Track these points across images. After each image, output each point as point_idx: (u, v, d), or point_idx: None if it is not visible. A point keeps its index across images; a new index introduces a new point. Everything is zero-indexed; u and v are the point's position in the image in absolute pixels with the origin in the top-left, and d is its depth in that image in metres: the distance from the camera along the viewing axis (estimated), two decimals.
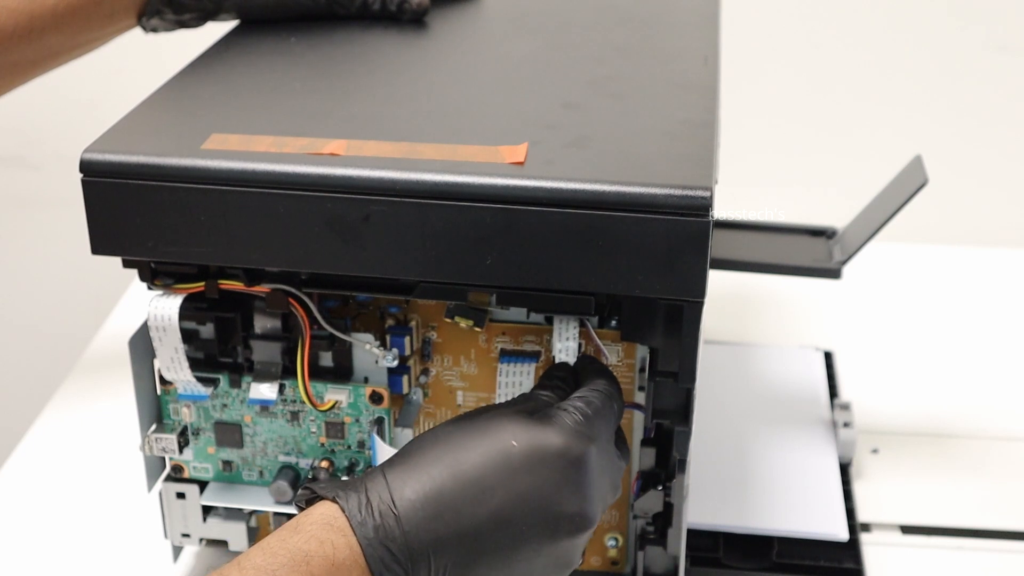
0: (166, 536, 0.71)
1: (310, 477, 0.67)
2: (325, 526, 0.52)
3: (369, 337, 0.64)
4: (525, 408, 0.58)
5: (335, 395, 0.65)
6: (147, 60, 1.05)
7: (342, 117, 0.63)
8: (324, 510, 0.53)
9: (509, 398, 0.64)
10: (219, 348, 0.65)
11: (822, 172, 1.35)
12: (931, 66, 1.31)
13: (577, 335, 0.62)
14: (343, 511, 0.52)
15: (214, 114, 0.64)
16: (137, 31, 0.82)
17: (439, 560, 0.53)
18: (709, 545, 0.77)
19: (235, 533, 0.70)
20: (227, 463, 0.69)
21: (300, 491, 0.56)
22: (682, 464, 0.62)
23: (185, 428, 0.68)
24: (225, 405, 0.67)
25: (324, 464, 0.67)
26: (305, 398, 0.64)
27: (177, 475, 0.69)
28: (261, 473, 0.69)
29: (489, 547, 0.54)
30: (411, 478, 0.53)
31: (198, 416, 0.68)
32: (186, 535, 0.71)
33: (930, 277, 1.13)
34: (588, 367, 0.62)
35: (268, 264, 0.60)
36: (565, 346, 0.62)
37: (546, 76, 0.70)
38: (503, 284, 0.58)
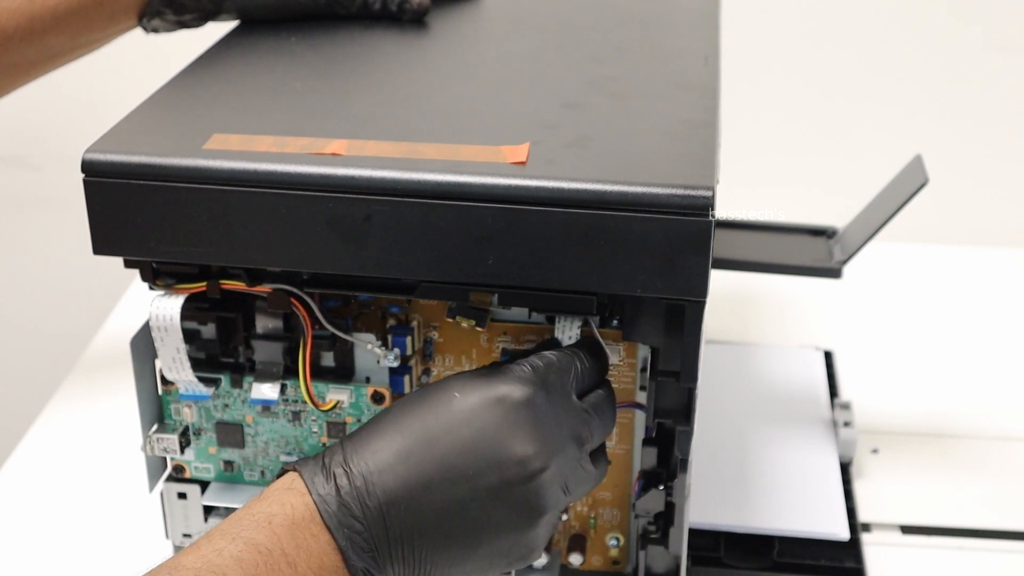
0: (167, 536, 0.71)
1: None
2: (285, 490, 0.55)
3: (371, 337, 0.64)
4: (479, 369, 0.59)
5: (337, 395, 0.65)
6: (147, 60, 1.05)
7: (343, 117, 0.63)
8: (285, 477, 0.56)
9: None
10: (221, 348, 0.65)
11: (822, 172, 1.35)
12: (931, 66, 1.31)
13: (579, 335, 0.62)
14: (301, 476, 0.55)
15: (215, 114, 0.64)
16: (137, 31, 0.82)
17: (394, 514, 0.54)
18: (710, 545, 0.77)
19: None
20: (228, 463, 0.69)
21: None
22: (684, 464, 0.62)
23: (186, 428, 0.68)
24: (227, 405, 0.67)
25: None
26: (307, 398, 0.64)
27: (178, 475, 0.69)
28: (263, 473, 0.69)
29: (440, 497, 0.55)
30: (362, 440, 0.56)
31: (199, 416, 0.68)
32: (187, 535, 0.71)
33: (930, 277, 1.13)
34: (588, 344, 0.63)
35: (270, 264, 0.60)
36: None
37: (547, 76, 0.70)
38: (505, 284, 0.58)
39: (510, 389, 0.57)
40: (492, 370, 0.58)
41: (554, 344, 0.62)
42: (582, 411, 0.59)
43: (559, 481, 0.57)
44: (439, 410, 0.56)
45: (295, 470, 0.56)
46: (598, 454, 0.62)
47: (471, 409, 0.56)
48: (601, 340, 0.62)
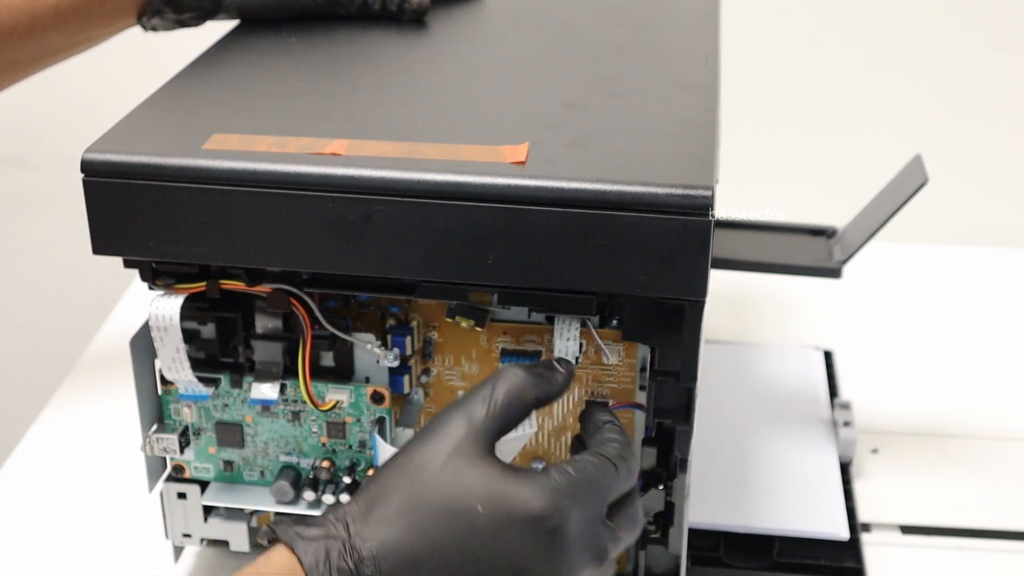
0: (167, 536, 0.71)
1: (311, 477, 0.67)
2: None
3: (370, 337, 0.64)
4: (509, 471, 0.54)
5: (336, 395, 0.65)
6: (147, 60, 1.05)
7: (343, 117, 0.63)
8: (284, 560, 0.52)
9: None
10: (220, 348, 0.65)
11: (822, 172, 1.35)
12: (931, 66, 1.31)
13: (578, 335, 0.62)
14: (301, 564, 0.52)
15: (215, 114, 0.64)
16: (137, 30, 0.82)
17: None
18: (710, 544, 0.77)
19: (236, 533, 0.70)
20: (228, 463, 0.69)
21: (265, 528, 0.55)
22: (683, 463, 0.62)
23: (186, 428, 0.68)
24: (226, 405, 0.67)
25: (325, 464, 0.67)
26: (306, 398, 0.64)
27: (178, 475, 0.69)
28: (262, 473, 0.69)
29: None
30: (372, 535, 0.52)
31: (199, 416, 0.68)
32: (187, 535, 0.71)
33: (930, 277, 1.13)
34: (598, 419, 0.59)
35: (269, 264, 0.60)
36: (566, 346, 0.62)
37: (547, 76, 0.70)
38: (504, 284, 0.58)
39: (542, 510, 0.52)
40: (522, 476, 0.53)
41: (565, 366, 0.59)
42: (611, 531, 0.55)
43: None
44: (460, 522, 0.52)
45: (292, 550, 0.52)
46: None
47: (493, 528, 0.52)
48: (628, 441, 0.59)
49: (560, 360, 0.60)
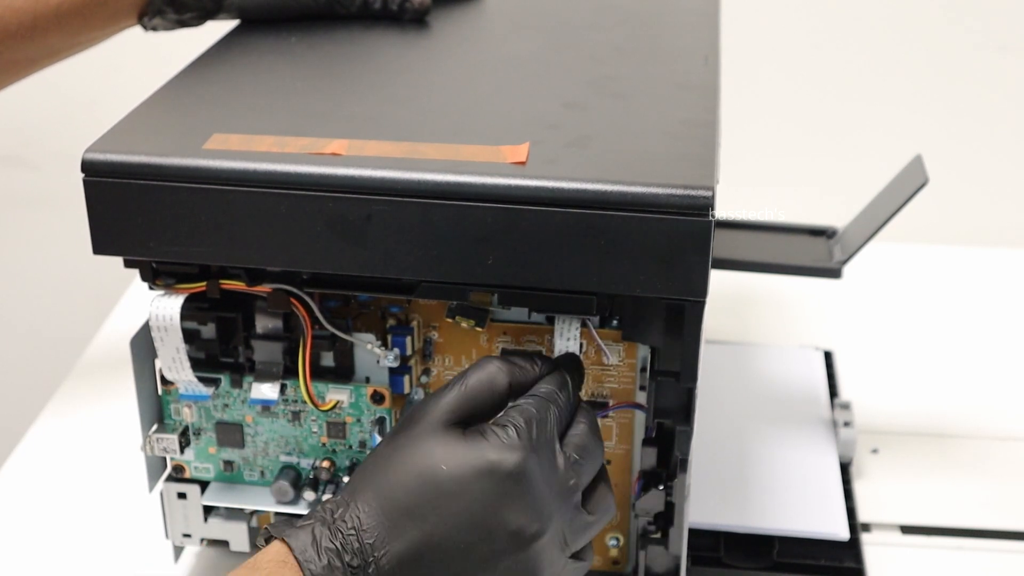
0: (167, 536, 0.71)
1: (311, 477, 0.67)
2: (279, 564, 0.54)
3: (370, 337, 0.64)
4: (466, 434, 0.57)
5: (336, 395, 0.65)
6: (147, 60, 1.05)
7: (343, 117, 0.63)
8: (278, 549, 0.54)
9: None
10: (220, 348, 0.65)
11: (822, 172, 1.35)
12: (931, 66, 1.31)
13: (578, 335, 0.62)
14: (292, 551, 0.54)
15: (215, 114, 0.64)
16: (137, 30, 0.82)
17: None
18: (710, 545, 0.77)
19: (236, 533, 0.70)
20: (228, 463, 0.69)
21: (261, 531, 0.57)
22: (683, 463, 0.62)
23: (186, 428, 0.68)
24: (226, 405, 0.67)
25: (325, 464, 0.67)
26: (306, 398, 0.64)
27: (178, 475, 0.70)
28: (262, 473, 0.69)
29: (433, 570, 0.55)
30: (349, 512, 0.55)
31: (199, 416, 0.68)
32: (187, 535, 0.71)
33: (930, 277, 1.13)
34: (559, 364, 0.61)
35: (270, 264, 0.60)
36: (566, 346, 0.62)
37: (547, 76, 0.70)
38: (505, 284, 0.58)
39: (500, 458, 0.55)
40: (477, 436, 0.56)
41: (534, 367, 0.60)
42: (569, 460, 0.58)
43: (556, 541, 0.57)
44: (426, 485, 0.55)
45: (284, 541, 0.54)
46: (598, 492, 0.60)
47: (458, 483, 0.54)
48: (579, 355, 0.61)
49: (539, 354, 0.61)
